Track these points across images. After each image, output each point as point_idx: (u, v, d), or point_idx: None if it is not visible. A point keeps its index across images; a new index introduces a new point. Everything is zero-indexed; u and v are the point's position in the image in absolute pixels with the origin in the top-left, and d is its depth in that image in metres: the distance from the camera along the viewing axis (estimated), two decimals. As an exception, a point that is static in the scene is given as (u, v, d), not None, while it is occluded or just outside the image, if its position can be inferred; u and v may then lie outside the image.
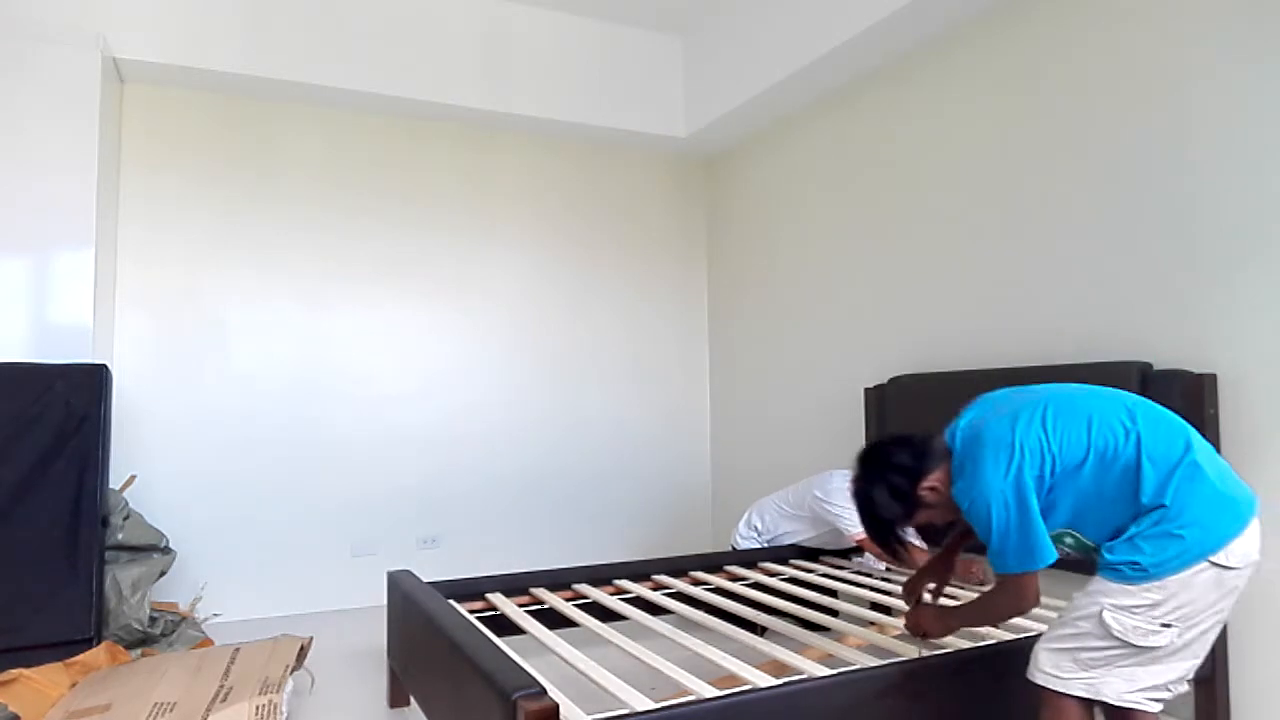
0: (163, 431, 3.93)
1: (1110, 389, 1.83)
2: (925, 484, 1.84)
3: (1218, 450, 2.47)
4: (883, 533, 1.93)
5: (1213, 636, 1.67)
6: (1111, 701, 1.65)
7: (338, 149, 4.37)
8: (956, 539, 2.15)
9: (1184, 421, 1.73)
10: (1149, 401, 1.77)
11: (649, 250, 5.14)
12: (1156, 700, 1.66)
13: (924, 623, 2.06)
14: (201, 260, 4.07)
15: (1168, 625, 1.61)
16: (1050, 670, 1.71)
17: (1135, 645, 1.62)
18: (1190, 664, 1.67)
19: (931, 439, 1.89)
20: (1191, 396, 2.50)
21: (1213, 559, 1.59)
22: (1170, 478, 1.62)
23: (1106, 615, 1.63)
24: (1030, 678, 1.74)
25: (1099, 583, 1.68)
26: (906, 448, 1.89)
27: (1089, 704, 1.69)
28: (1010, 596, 1.78)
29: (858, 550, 3.34)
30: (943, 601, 2.21)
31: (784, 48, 4.00)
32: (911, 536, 2.08)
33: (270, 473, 4.13)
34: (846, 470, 2.09)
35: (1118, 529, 1.67)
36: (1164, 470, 1.63)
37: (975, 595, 2.04)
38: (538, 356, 4.78)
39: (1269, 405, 2.42)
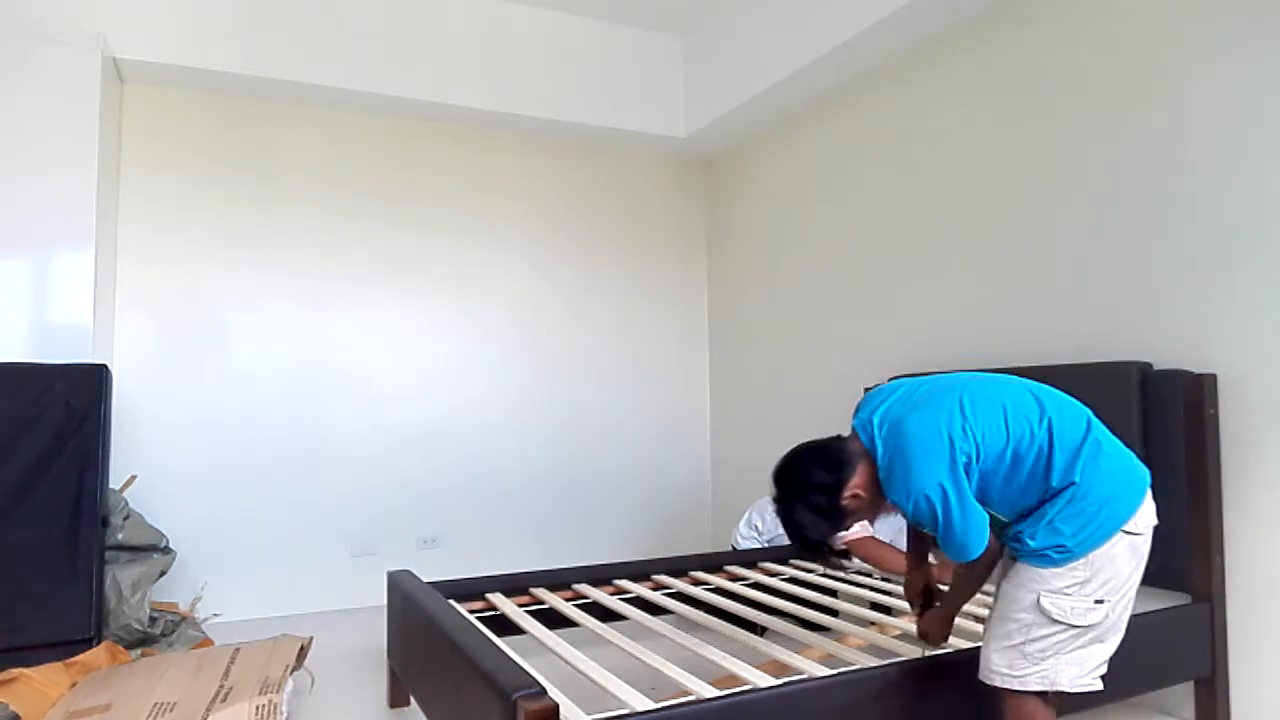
0: (163, 431, 3.93)
1: (1012, 376, 1.88)
2: (847, 494, 1.79)
3: (1218, 450, 2.50)
4: (815, 549, 1.89)
5: (1131, 608, 1.77)
6: (1067, 689, 1.71)
7: (338, 149, 4.37)
8: (917, 541, 2.14)
9: (1080, 403, 1.82)
10: (1049, 387, 1.83)
11: (649, 250, 5.14)
12: (1101, 679, 1.74)
13: (931, 630, 2.05)
14: (201, 260, 4.07)
15: (1100, 601, 1.69)
16: (1005, 670, 1.75)
17: (1077, 626, 1.69)
18: (1120, 637, 1.77)
19: (845, 444, 1.84)
20: (1191, 396, 2.50)
21: (1125, 529, 1.70)
22: (1077, 458, 1.70)
23: (1044, 601, 1.69)
24: (985, 680, 1.78)
25: (1027, 571, 1.74)
26: (821, 461, 1.81)
27: (1046, 695, 1.74)
28: (977, 569, 1.82)
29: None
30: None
31: (784, 48, 4.00)
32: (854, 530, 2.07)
33: (270, 473, 4.13)
34: None
35: (1028, 509, 1.75)
36: (1071, 451, 1.71)
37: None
38: (538, 356, 4.78)
39: (1269, 405, 2.42)
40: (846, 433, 1.92)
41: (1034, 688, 1.72)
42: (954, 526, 1.69)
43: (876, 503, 1.82)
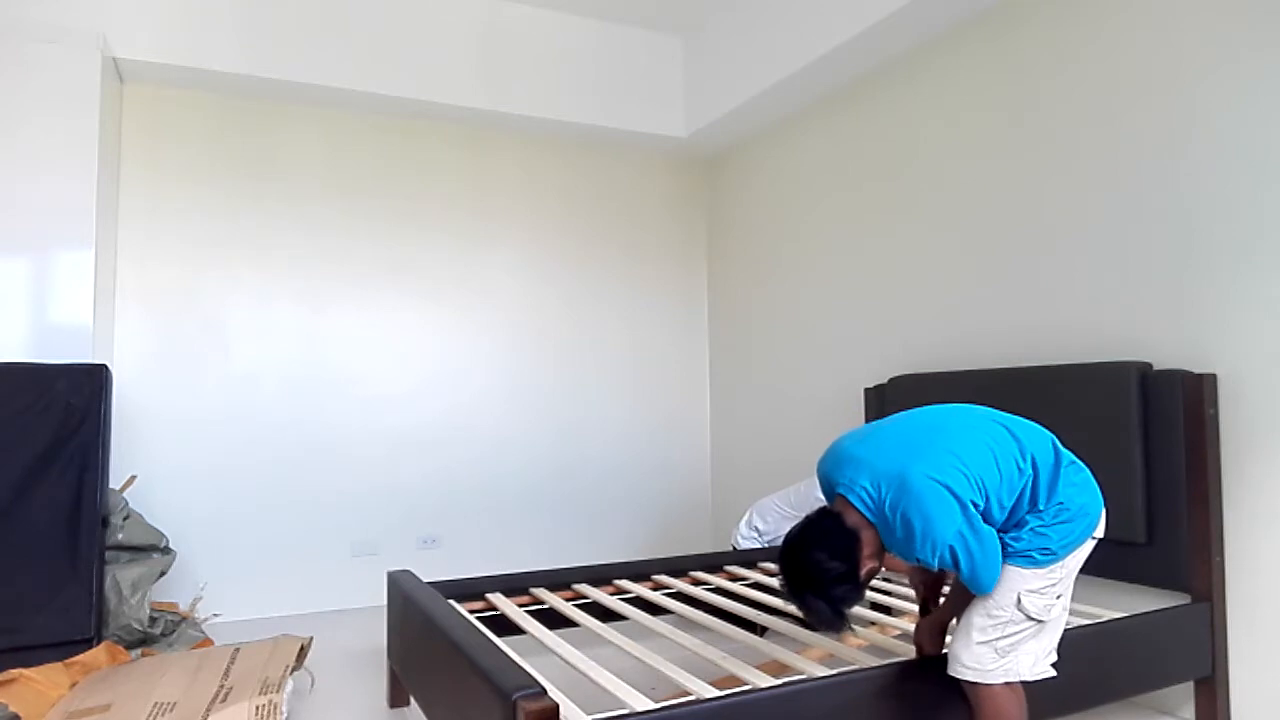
0: (163, 431, 3.93)
1: (971, 407, 1.96)
2: (863, 572, 1.79)
3: (1218, 450, 2.50)
4: (841, 626, 1.88)
5: None
6: (1028, 679, 1.85)
7: (338, 149, 4.37)
8: None
9: (1040, 426, 1.94)
10: (1009, 415, 1.94)
11: (649, 250, 5.14)
12: (1053, 665, 1.88)
13: (924, 641, 2.07)
14: (201, 260, 4.07)
15: (1059, 596, 1.86)
16: (973, 665, 1.85)
17: (1040, 621, 1.83)
18: (1063, 625, 1.91)
19: (843, 522, 1.79)
20: (1191, 396, 2.50)
21: (1094, 534, 1.88)
22: (1056, 480, 1.84)
23: (1024, 600, 1.81)
24: (955, 675, 1.87)
25: (1008, 570, 1.82)
26: (831, 551, 1.76)
27: (1010, 684, 1.86)
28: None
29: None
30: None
31: (784, 48, 4.00)
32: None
33: (270, 472, 4.13)
34: None
35: (1012, 524, 1.85)
36: (1050, 476, 1.84)
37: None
38: (538, 356, 4.78)
39: (1269, 405, 2.42)
40: (844, 430, 1.92)
41: (1000, 680, 1.83)
42: (978, 567, 1.76)
43: (882, 558, 1.85)
